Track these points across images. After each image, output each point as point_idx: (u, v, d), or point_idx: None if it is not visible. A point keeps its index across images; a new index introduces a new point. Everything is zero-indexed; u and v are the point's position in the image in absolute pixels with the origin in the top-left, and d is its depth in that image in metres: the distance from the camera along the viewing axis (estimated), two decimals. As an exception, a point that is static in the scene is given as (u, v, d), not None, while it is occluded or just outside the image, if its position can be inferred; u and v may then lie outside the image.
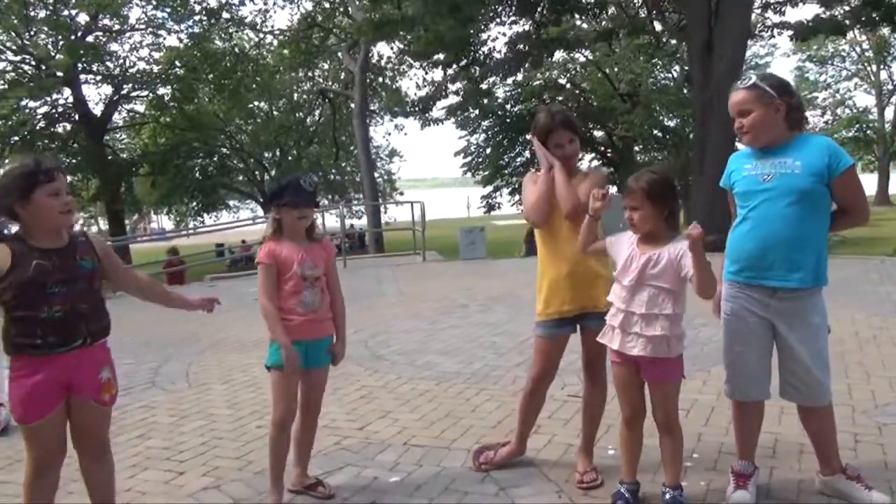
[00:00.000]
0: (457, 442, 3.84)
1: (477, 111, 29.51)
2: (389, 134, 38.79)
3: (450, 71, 18.48)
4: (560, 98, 29.87)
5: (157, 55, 27.80)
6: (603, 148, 31.28)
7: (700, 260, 2.67)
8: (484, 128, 31.22)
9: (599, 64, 28.86)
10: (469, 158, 32.07)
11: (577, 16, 15.83)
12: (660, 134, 30.34)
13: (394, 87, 32.18)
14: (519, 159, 31.73)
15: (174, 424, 4.38)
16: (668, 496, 2.87)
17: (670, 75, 30.09)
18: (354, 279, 10.88)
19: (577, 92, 30.96)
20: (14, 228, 2.66)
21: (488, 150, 31.77)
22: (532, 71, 28.08)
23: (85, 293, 2.66)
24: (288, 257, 3.07)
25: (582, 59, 29.84)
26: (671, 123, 30.19)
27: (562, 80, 30.68)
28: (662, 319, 2.80)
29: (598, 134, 31.45)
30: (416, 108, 22.13)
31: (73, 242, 2.71)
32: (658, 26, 20.07)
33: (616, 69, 28.56)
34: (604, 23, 18.26)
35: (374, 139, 38.94)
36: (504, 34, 16.02)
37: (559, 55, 26.27)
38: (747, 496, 2.91)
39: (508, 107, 30.69)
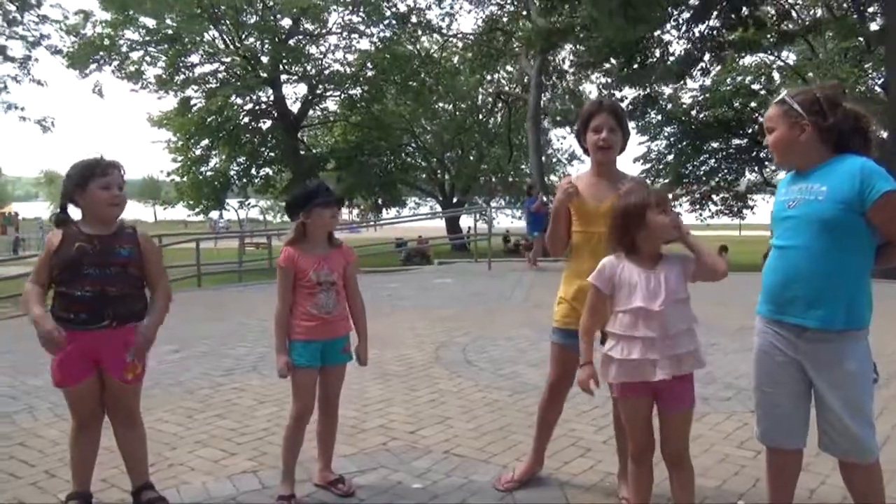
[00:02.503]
0: (497, 457, 3.77)
1: (659, 116, 28.47)
2: (565, 137, 38.30)
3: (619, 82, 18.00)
4: (753, 104, 28.03)
5: (350, 57, 29.58)
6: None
7: (691, 241, 2.68)
8: (666, 134, 30.00)
9: (798, 69, 26.71)
10: (649, 165, 30.97)
11: (759, 16, 14.70)
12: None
13: (577, 90, 31.89)
14: (703, 167, 30.22)
15: (251, 408, 4.66)
16: None
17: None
18: (486, 283, 10.92)
19: (773, 97, 28.84)
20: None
21: (670, 157, 30.51)
22: (722, 75, 26.68)
23: (116, 278, 2.92)
24: (305, 263, 3.18)
25: (780, 63, 27.81)
26: (884, 134, 27.29)
27: (755, 86, 28.72)
28: (690, 333, 2.67)
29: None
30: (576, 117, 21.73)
31: (118, 232, 3.02)
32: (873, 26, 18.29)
33: (818, 73, 26.29)
34: (796, 24, 16.86)
35: (552, 142, 38.86)
36: (678, 38, 15.16)
37: (750, 59, 24.68)
38: None
39: (694, 113, 29.24)
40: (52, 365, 2.95)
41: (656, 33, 15.24)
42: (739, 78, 28.42)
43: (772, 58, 27.09)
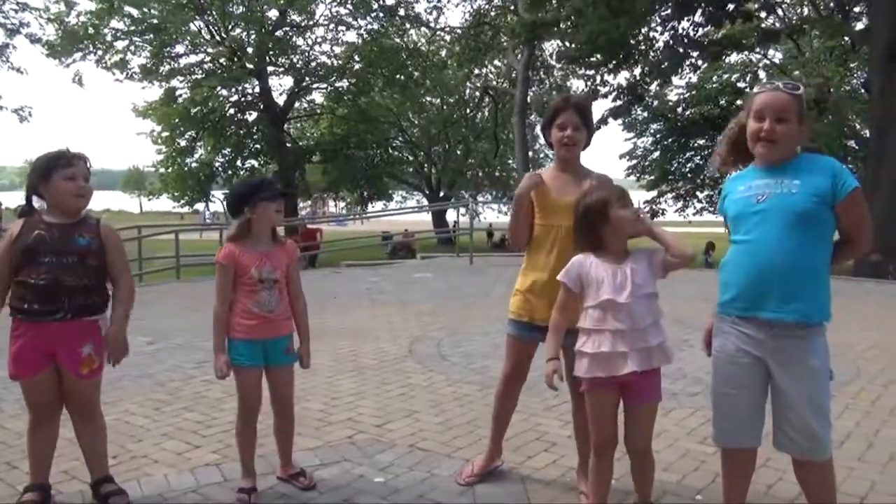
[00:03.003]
0: (462, 451, 3.78)
1: (645, 113, 28.55)
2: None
3: (605, 73, 18.00)
4: (739, 102, 28.14)
5: (337, 50, 29.45)
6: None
7: (654, 229, 2.74)
8: (652, 130, 30.12)
9: (784, 67, 26.84)
10: (635, 161, 31.09)
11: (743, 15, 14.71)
12: (854, 145, 27.72)
13: (564, 85, 31.89)
14: (689, 165, 30.33)
15: (219, 401, 4.63)
16: None
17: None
18: (466, 278, 10.91)
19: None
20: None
21: (656, 154, 30.63)
22: (708, 73, 26.77)
23: (73, 268, 2.89)
24: (247, 260, 3.12)
25: (766, 61, 27.94)
26: (866, 133, 27.46)
27: (741, 84, 28.84)
28: (658, 326, 2.70)
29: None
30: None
31: (79, 222, 2.99)
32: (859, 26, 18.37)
33: (803, 72, 26.44)
34: (782, 22, 16.92)
35: (539, 137, 38.85)
36: (659, 35, 15.08)
37: (736, 57, 24.78)
38: None
39: (680, 110, 29.35)
40: (8, 357, 2.93)
41: (643, 30, 15.24)
42: (726, 76, 28.56)
43: (758, 56, 27.22)
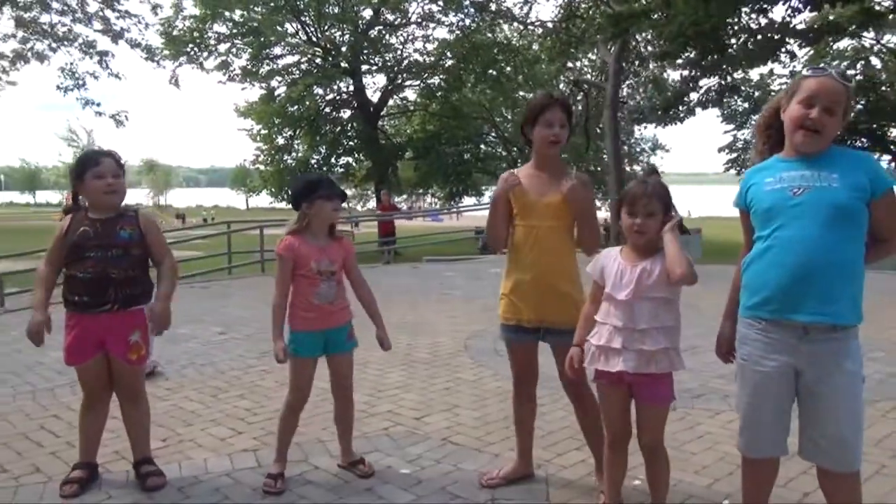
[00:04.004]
0: (493, 446, 3.80)
1: (746, 104, 27.38)
2: (645, 127, 37.33)
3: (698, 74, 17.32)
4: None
5: (429, 47, 29.79)
6: (900, 149, 27.23)
7: (675, 240, 2.61)
8: (753, 122, 28.82)
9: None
10: (735, 155, 29.85)
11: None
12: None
13: (661, 77, 31.01)
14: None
15: (271, 390, 4.83)
16: None
17: None
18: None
19: (871, 84, 27.22)
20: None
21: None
22: (815, 60, 25.38)
23: (118, 260, 3.10)
24: (306, 253, 3.23)
25: (880, 46, 26.21)
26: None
27: (852, 71, 27.17)
28: (664, 332, 2.65)
29: (896, 133, 27.40)
30: (657, 110, 21.22)
31: (119, 215, 3.20)
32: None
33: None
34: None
35: (636, 130, 37.98)
36: (752, 24, 14.12)
37: (846, 43, 23.37)
38: None
39: (784, 100, 27.92)
40: (64, 345, 3.17)
41: (734, 19, 14.55)
42: (835, 62, 26.97)
43: (871, 41, 25.58)
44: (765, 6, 14.03)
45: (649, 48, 26.45)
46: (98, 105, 21.98)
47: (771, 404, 2.47)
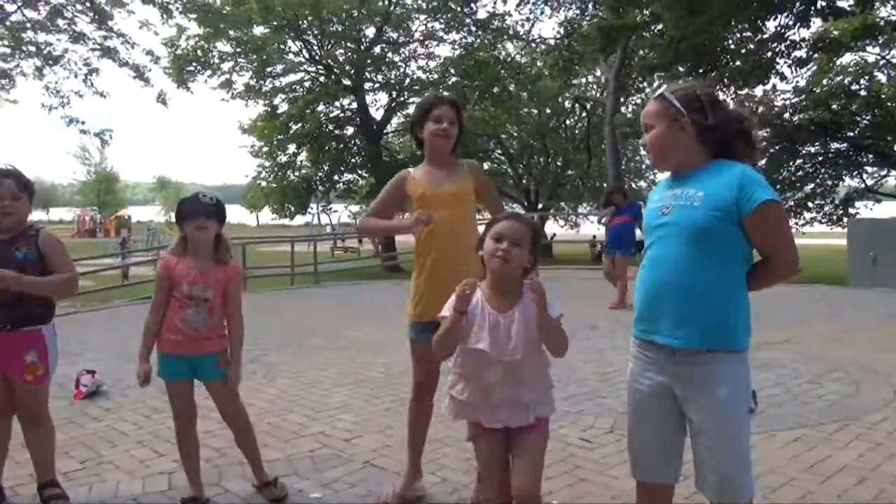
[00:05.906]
0: (414, 469, 3.71)
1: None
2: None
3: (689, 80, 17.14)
4: (854, 106, 26.35)
5: (432, 64, 29.88)
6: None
7: (544, 315, 2.44)
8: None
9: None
10: (739, 171, 29.60)
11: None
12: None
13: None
14: (798, 173, 28.62)
15: (210, 410, 4.74)
16: None
17: None
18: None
19: (876, 99, 26.98)
20: None
21: (762, 162, 29.11)
22: (818, 76, 25.19)
23: None
24: (182, 274, 3.16)
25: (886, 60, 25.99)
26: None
27: (855, 87, 26.97)
28: (544, 377, 2.62)
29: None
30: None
31: (18, 236, 3.14)
32: None
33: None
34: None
35: (637, 147, 37.86)
36: (745, 41, 13.88)
37: (849, 58, 23.21)
38: None
39: (787, 115, 27.75)
40: None
41: (726, 34, 14.44)
42: (838, 78, 26.79)
43: (874, 56, 25.41)
44: (757, 22, 13.88)
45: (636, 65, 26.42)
46: (83, 123, 21.79)
47: (651, 425, 2.41)
